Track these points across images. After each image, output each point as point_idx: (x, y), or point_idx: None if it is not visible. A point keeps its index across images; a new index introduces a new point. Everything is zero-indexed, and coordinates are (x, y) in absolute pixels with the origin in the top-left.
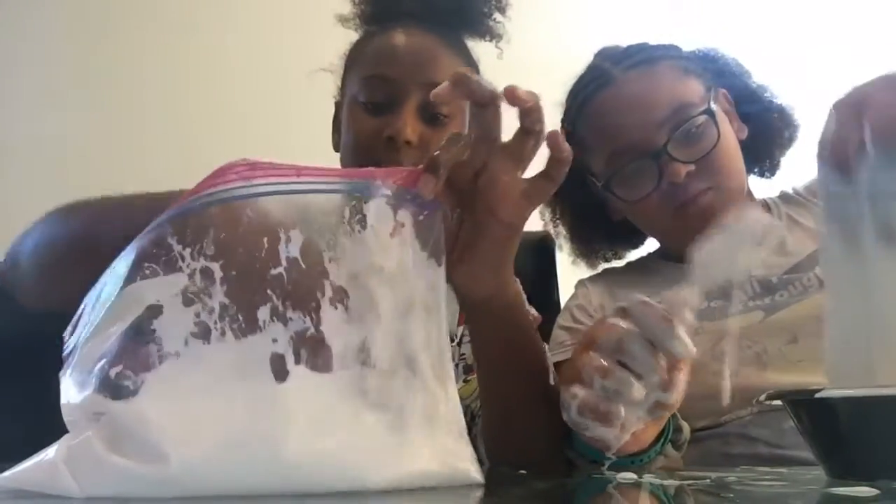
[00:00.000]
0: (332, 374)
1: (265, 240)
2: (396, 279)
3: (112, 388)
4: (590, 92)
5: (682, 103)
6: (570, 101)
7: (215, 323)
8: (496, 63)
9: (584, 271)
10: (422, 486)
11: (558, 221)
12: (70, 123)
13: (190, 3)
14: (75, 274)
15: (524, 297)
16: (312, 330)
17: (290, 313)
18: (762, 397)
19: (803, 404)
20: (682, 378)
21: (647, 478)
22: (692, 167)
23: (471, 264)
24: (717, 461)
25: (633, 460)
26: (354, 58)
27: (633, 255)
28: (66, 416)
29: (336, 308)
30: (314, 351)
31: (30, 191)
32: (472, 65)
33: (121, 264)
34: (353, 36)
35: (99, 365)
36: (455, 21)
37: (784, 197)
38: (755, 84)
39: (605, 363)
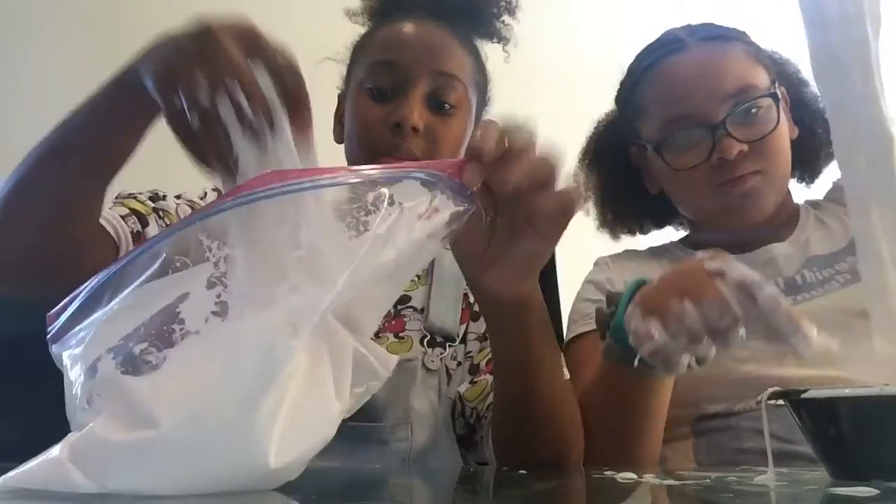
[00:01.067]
0: (306, 343)
1: (286, 229)
2: (407, 258)
3: (134, 364)
4: (660, 55)
5: (749, 84)
6: (635, 64)
7: (235, 302)
8: (502, 66)
9: (584, 270)
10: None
11: (589, 186)
12: None
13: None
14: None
15: (543, 301)
16: (324, 304)
17: (306, 286)
18: (763, 396)
19: (804, 404)
20: None
21: (647, 478)
22: (745, 147)
23: (503, 270)
24: (727, 455)
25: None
26: (361, 46)
27: (655, 236)
28: (69, 401)
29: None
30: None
31: None
32: (480, 60)
33: (147, 256)
34: (361, 30)
35: (122, 343)
36: (464, 20)
37: (811, 203)
38: (811, 93)
39: (701, 330)
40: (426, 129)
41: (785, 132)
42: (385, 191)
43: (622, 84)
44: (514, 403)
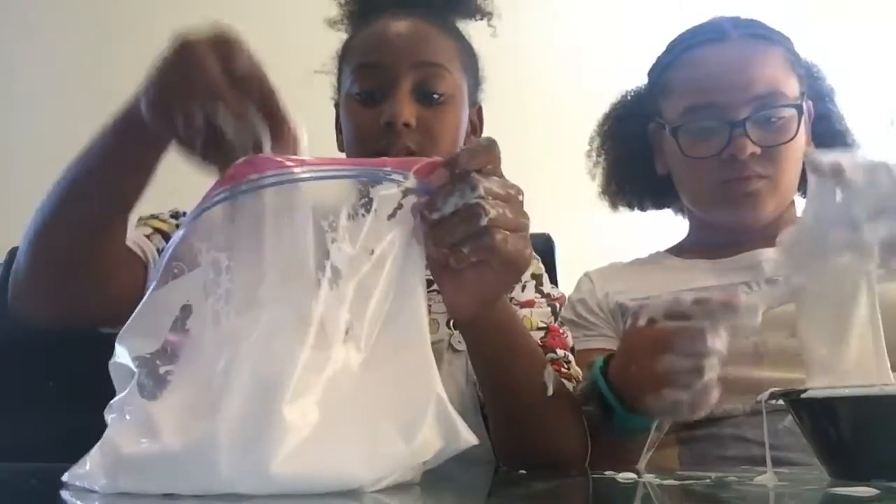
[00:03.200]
0: (325, 356)
1: (270, 225)
2: (386, 262)
3: (157, 382)
4: (700, 40)
5: (778, 90)
6: (674, 43)
7: (223, 308)
8: (490, 42)
9: (583, 267)
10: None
11: (602, 152)
12: (70, 123)
13: (192, 7)
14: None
15: (515, 316)
16: (310, 311)
17: (292, 292)
18: (763, 396)
19: (805, 404)
20: None
21: (647, 478)
22: (758, 150)
23: (457, 287)
24: (712, 463)
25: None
26: (344, 54)
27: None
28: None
29: (332, 289)
30: (315, 332)
31: (30, 191)
32: (464, 42)
33: (161, 263)
34: (344, 37)
35: (149, 358)
36: (442, 5)
37: None
38: (836, 112)
39: (694, 363)
40: (419, 122)
41: (800, 147)
42: (365, 192)
43: (657, 59)
44: (492, 408)
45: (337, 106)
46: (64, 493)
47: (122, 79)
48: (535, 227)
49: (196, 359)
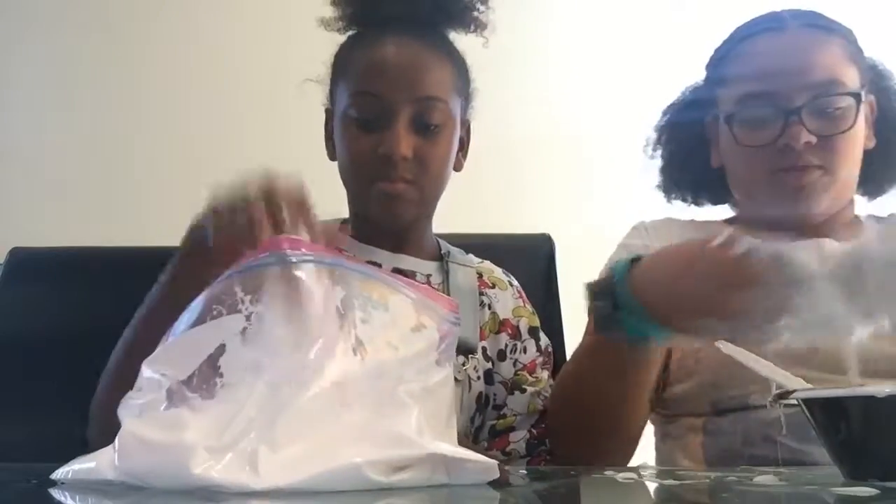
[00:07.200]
0: (322, 405)
1: (313, 293)
2: (406, 363)
3: (182, 403)
4: (756, 30)
5: (835, 79)
6: (732, 35)
7: (268, 362)
8: (482, 52)
9: (582, 272)
10: None
11: (658, 146)
12: (70, 123)
13: (190, 7)
14: None
15: None
16: (326, 360)
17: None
18: (771, 398)
19: (818, 403)
20: None
21: (648, 477)
22: (813, 139)
23: None
24: (736, 459)
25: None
26: (341, 67)
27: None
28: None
29: (356, 356)
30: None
31: (30, 191)
32: (458, 62)
33: (195, 307)
34: (337, 38)
35: (179, 386)
36: (438, 18)
37: (876, 217)
38: None
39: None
40: (415, 152)
41: (859, 137)
42: (385, 295)
43: (715, 51)
44: None
45: (328, 112)
46: (64, 493)
47: (122, 79)
48: (535, 227)
49: (229, 399)
